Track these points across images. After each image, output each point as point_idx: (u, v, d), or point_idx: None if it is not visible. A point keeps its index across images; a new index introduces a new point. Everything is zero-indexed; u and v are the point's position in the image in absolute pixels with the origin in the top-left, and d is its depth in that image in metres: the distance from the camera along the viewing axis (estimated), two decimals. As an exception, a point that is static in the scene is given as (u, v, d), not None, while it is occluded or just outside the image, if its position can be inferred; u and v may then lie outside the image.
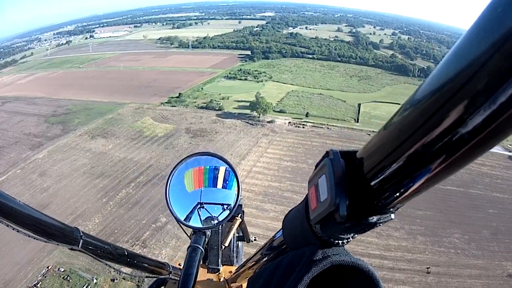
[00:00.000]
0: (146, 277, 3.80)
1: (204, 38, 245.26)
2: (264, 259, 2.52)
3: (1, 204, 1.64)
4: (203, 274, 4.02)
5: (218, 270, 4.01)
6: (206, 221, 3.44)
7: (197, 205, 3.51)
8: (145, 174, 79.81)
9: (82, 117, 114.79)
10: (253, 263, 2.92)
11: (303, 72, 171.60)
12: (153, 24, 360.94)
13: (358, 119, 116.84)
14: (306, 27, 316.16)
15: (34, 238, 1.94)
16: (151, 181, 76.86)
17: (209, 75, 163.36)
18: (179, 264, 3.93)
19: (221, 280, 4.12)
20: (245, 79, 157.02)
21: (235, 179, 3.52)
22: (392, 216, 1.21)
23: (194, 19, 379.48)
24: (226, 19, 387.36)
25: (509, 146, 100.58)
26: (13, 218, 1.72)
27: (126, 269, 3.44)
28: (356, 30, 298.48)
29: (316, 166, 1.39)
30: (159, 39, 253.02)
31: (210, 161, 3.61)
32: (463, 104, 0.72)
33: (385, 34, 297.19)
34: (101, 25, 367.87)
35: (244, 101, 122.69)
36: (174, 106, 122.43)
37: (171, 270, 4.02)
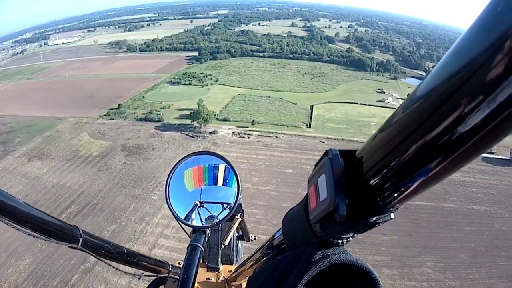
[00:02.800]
0: (146, 275, 3.70)
1: (153, 40, 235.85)
2: (264, 258, 2.58)
3: (1, 203, 1.67)
4: (202, 273, 4.05)
5: (218, 269, 4.11)
6: (206, 220, 3.50)
7: (197, 204, 3.56)
8: (76, 203, 72.16)
9: (23, 135, 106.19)
10: (252, 262, 2.97)
11: (252, 72, 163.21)
12: (106, 27, 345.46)
13: (310, 124, 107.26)
14: (259, 24, 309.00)
15: (34, 237, 1.97)
16: (82, 211, 69.62)
17: (153, 81, 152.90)
18: (179, 263, 3.88)
19: (221, 279, 4.14)
20: (190, 84, 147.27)
21: (234, 178, 3.54)
22: (392, 215, 1.22)
23: (147, 21, 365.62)
24: (179, 19, 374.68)
25: None
26: (13, 216, 1.75)
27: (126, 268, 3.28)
28: (310, 24, 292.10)
29: (315, 166, 1.40)
30: (109, 43, 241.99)
31: (209, 160, 3.63)
32: (463, 103, 0.72)
33: (341, 27, 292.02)
34: (58, 31, 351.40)
35: (186, 109, 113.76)
36: (113, 119, 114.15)
37: (170, 269, 3.85)
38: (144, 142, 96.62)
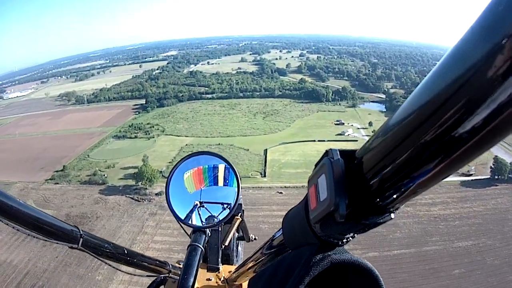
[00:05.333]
0: (146, 276, 3.69)
1: (101, 90, 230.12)
2: (264, 258, 2.60)
3: (1, 203, 1.70)
4: (203, 273, 4.04)
5: (218, 269, 4.09)
6: (206, 220, 3.52)
7: (197, 204, 3.57)
8: (22, 285, 67.79)
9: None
10: (253, 262, 2.95)
11: (200, 117, 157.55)
12: (59, 78, 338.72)
13: (265, 173, 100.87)
14: (208, 62, 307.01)
15: (34, 237, 2.01)
16: None
17: (99, 136, 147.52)
18: (179, 263, 3.83)
19: (221, 279, 4.10)
20: (135, 137, 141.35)
21: (235, 178, 3.55)
22: (392, 215, 1.22)
23: (98, 68, 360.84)
24: (129, 64, 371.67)
25: None
26: (14, 217, 1.78)
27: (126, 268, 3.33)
28: (261, 58, 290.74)
29: (315, 166, 1.40)
30: (59, 95, 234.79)
31: (209, 160, 3.64)
32: (463, 103, 0.72)
33: (292, 56, 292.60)
34: (14, 83, 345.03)
35: (131, 167, 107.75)
36: (58, 183, 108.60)
37: (171, 269, 3.85)
38: (88, 210, 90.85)
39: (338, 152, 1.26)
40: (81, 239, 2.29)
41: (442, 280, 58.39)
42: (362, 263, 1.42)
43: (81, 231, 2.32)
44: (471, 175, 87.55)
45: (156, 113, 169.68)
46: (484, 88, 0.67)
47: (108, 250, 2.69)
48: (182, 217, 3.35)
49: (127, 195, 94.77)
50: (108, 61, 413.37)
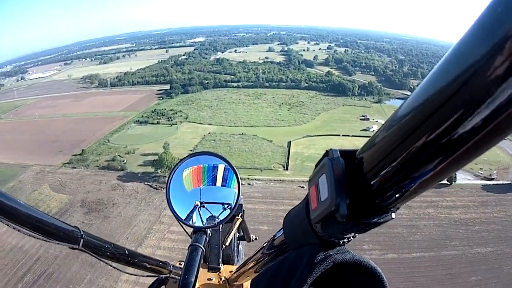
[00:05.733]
0: (147, 276, 3.66)
1: (125, 74, 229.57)
2: (265, 258, 2.61)
3: (1, 203, 1.69)
4: (203, 274, 4.09)
5: (219, 269, 4.13)
6: (206, 220, 3.54)
7: (197, 204, 3.59)
8: (32, 271, 67.26)
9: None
10: (254, 262, 2.97)
11: (225, 106, 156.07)
12: (83, 60, 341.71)
13: (287, 166, 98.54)
14: (235, 50, 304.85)
15: (35, 237, 1.98)
16: (37, 281, 65.17)
17: (120, 120, 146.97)
18: (180, 263, 3.89)
19: (222, 279, 4.14)
20: (158, 123, 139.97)
21: (235, 178, 3.56)
22: (393, 215, 1.23)
23: (123, 52, 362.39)
24: (155, 48, 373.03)
25: (480, 172, 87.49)
26: (14, 217, 1.77)
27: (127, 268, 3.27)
28: (288, 48, 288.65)
29: (316, 166, 1.39)
30: (82, 78, 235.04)
31: (209, 160, 3.64)
32: (463, 104, 0.73)
33: (320, 49, 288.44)
34: (37, 63, 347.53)
35: (152, 154, 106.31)
36: (75, 168, 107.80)
37: (171, 269, 3.83)
38: (105, 196, 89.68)
39: (338, 152, 1.26)
40: (82, 240, 2.26)
41: (458, 287, 57.16)
42: (364, 262, 1.41)
43: (81, 232, 2.29)
44: (492, 179, 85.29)
45: (180, 99, 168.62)
46: (483, 88, 0.67)
47: (108, 251, 2.69)
48: (183, 217, 3.36)
49: (146, 183, 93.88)
50: (134, 45, 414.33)
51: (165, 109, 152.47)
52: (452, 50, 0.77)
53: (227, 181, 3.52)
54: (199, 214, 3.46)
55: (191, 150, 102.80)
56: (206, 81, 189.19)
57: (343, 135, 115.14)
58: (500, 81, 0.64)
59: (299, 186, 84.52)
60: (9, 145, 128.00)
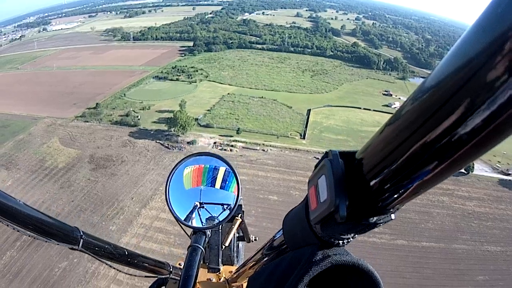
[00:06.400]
0: (146, 276, 3.74)
1: (149, 28, 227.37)
2: (265, 259, 2.62)
3: (1, 203, 1.71)
4: (203, 274, 4.10)
5: (219, 270, 4.13)
6: (206, 221, 3.52)
7: (197, 205, 3.57)
8: None
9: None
10: (253, 263, 3.03)
11: (247, 67, 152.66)
12: (108, 13, 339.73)
13: (305, 134, 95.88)
14: (263, 13, 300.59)
15: (34, 238, 2.01)
16: (35, 240, 58.29)
17: (140, 74, 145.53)
18: (180, 264, 4.02)
19: (222, 280, 4.18)
20: (177, 80, 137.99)
21: (235, 179, 3.54)
22: (393, 216, 1.24)
23: (150, 6, 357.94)
24: (183, 5, 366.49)
25: (497, 165, 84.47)
26: (13, 217, 1.78)
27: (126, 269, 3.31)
28: (316, 15, 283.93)
29: (315, 167, 1.41)
30: (105, 30, 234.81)
31: (209, 161, 3.64)
32: (463, 104, 0.72)
33: (348, 19, 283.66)
34: (61, 15, 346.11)
35: (167, 111, 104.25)
36: (87, 121, 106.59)
37: (171, 270, 3.92)
38: (114, 153, 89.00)
39: (338, 153, 1.28)
40: (82, 240, 2.30)
41: (465, 284, 55.31)
42: (362, 265, 1.43)
43: (81, 232, 2.32)
44: (509, 174, 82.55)
45: (202, 57, 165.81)
46: (484, 89, 0.67)
47: (108, 251, 2.71)
48: (182, 218, 3.31)
49: (157, 141, 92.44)
50: (161, 1, 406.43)
51: (186, 66, 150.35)
52: (452, 51, 0.78)
53: (227, 183, 3.48)
54: (199, 214, 3.43)
55: (208, 110, 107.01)
56: (231, 41, 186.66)
57: (364, 109, 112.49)
58: (500, 81, 0.64)
59: (315, 157, 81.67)
60: (24, 96, 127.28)
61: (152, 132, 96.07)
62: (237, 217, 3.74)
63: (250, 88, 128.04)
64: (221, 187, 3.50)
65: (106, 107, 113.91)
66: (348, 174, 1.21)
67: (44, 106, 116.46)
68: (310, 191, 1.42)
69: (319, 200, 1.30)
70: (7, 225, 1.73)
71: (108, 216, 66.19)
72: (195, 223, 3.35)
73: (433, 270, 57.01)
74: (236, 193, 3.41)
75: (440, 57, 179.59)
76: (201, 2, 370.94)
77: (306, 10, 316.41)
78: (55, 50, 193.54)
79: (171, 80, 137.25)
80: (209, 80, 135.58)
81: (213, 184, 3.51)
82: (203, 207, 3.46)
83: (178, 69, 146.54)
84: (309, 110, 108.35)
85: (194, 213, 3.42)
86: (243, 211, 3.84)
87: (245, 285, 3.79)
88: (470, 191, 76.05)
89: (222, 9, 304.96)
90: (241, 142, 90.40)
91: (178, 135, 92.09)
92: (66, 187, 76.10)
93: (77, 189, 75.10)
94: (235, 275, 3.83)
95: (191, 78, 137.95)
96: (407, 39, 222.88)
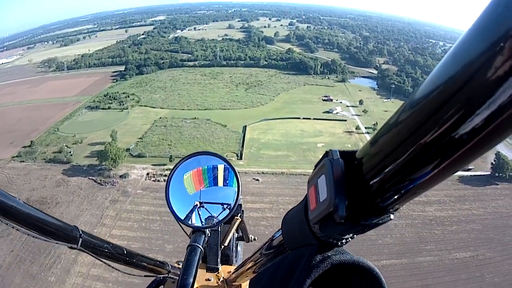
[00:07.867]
0: (145, 276, 3.77)
1: (82, 56, 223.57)
2: (264, 259, 2.63)
3: (1, 203, 1.74)
4: (202, 274, 4.09)
5: (217, 269, 4.12)
6: (205, 221, 3.56)
7: (196, 204, 3.61)
8: None
9: None
10: (252, 262, 3.02)
11: (179, 87, 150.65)
12: (45, 43, 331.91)
13: (241, 154, 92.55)
14: (194, 28, 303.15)
15: (33, 237, 2.03)
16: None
17: (73, 106, 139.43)
18: (178, 264, 4.11)
19: (220, 279, 4.19)
20: (109, 108, 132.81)
21: (234, 179, 3.60)
22: (392, 216, 1.24)
23: (84, 33, 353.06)
24: (116, 28, 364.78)
25: None
26: (13, 216, 1.81)
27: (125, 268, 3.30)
28: (249, 25, 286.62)
29: (315, 166, 1.42)
30: (42, 62, 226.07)
31: (209, 161, 3.69)
32: (463, 104, 0.73)
33: (281, 25, 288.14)
34: (2, 49, 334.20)
35: (99, 143, 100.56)
36: (23, 161, 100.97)
37: (170, 269, 3.99)
38: (49, 194, 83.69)
39: (338, 153, 1.28)
40: (81, 239, 2.34)
41: None
42: (362, 262, 1.45)
43: (80, 231, 2.37)
44: (470, 169, 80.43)
45: (134, 81, 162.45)
46: (484, 89, 0.68)
47: (107, 250, 2.74)
48: (182, 217, 3.35)
49: (90, 177, 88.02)
50: (96, 26, 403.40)
51: (117, 93, 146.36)
52: (452, 51, 0.77)
53: (227, 181, 3.53)
54: (198, 214, 3.46)
55: (140, 138, 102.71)
56: (162, 61, 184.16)
57: (303, 118, 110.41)
58: (500, 81, 0.64)
59: (254, 178, 78.08)
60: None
61: (84, 168, 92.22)
62: (236, 217, 3.81)
63: (183, 109, 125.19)
64: (222, 186, 3.52)
65: (40, 144, 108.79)
66: (348, 174, 1.22)
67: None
68: (309, 191, 1.42)
69: (319, 200, 1.31)
70: (7, 224, 1.76)
71: (46, 266, 62.13)
72: (195, 222, 3.37)
73: (396, 291, 53.29)
74: (236, 192, 3.43)
75: (380, 54, 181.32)
76: (133, 24, 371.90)
77: (238, 21, 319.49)
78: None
79: (103, 109, 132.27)
80: (140, 105, 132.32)
81: (215, 183, 3.54)
82: (203, 206, 3.48)
83: (110, 97, 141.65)
84: (244, 127, 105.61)
85: (193, 212, 3.43)
86: (242, 210, 3.91)
87: (243, 285, 3.86)
88: (429, 194, 72.10)
89: (154, 28, 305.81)
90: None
91: (110, 169, 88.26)
92: (6, 236, 70.41)
93: (16, 237, 68.82)
94: (233, 275, 3.80)
95: (123, 104, 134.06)
96: (344, 39, 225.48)
